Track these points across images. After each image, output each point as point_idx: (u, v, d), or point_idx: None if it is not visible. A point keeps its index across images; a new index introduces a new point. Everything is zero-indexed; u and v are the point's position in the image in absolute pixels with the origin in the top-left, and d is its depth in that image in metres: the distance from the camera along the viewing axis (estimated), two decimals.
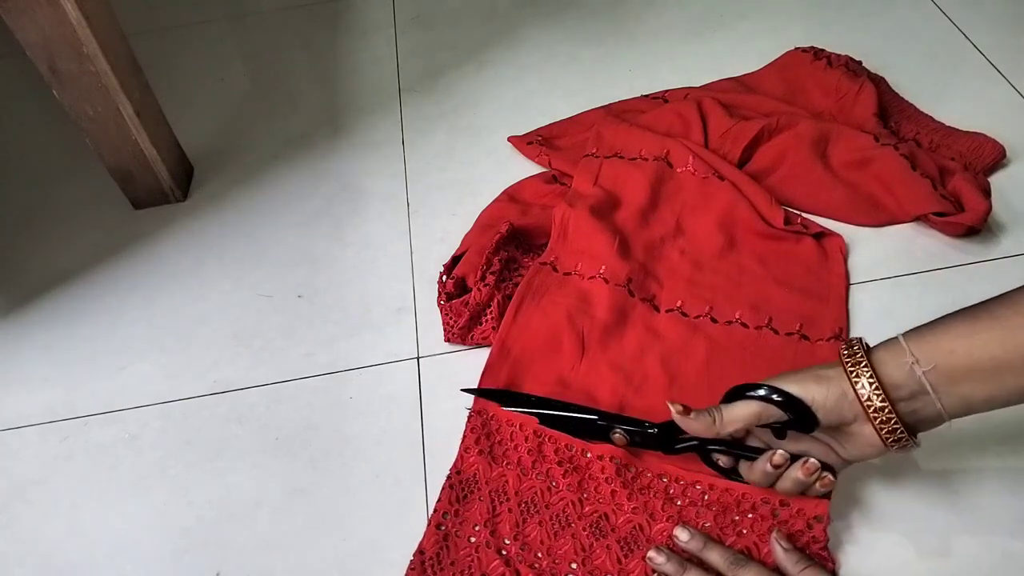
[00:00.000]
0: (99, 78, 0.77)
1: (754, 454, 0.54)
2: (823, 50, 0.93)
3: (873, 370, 0.48)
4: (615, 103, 0.94)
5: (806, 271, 0.73)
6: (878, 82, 0.89)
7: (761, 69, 0.95)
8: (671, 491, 0.58)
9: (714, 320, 0.70)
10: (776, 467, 0.52)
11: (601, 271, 0.73)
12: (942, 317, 0.49)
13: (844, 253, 0.74)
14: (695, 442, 0.56)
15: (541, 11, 1.11)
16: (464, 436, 0.63)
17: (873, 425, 0.49)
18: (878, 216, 0.77)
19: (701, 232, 0.77)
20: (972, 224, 0.73)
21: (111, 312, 0.79)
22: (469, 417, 0.64)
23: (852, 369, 0.49)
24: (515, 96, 0.98)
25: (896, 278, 0.73)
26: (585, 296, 0.72)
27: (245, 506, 0.63)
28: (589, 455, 0.61)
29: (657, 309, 0.71)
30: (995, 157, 0.80)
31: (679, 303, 0.71)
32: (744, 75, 0.95)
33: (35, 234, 0.89)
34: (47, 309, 0.81)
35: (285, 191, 0.90)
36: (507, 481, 0.60)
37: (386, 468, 0.64)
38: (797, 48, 0.95)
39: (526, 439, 0.62)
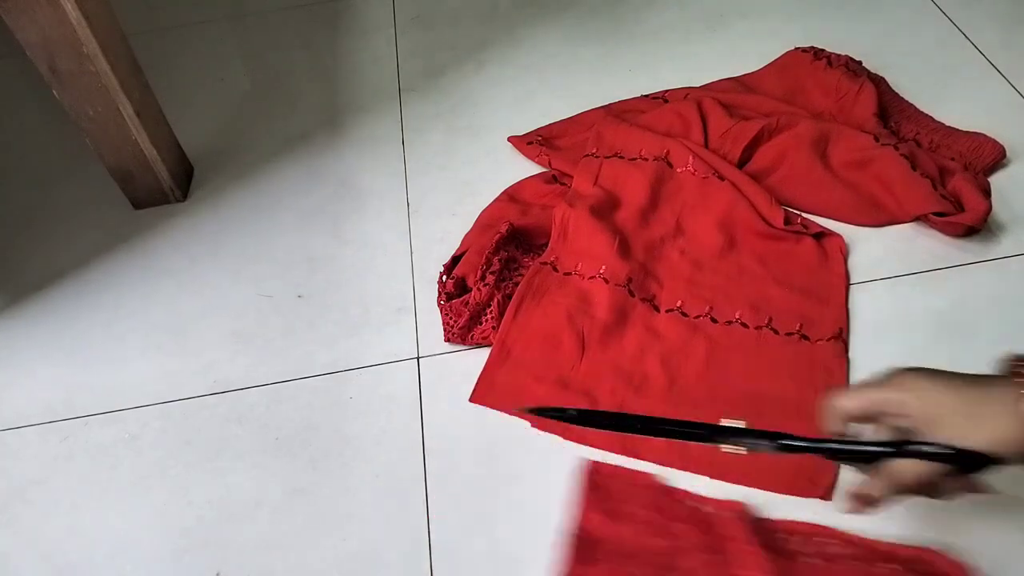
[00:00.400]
0: (99, 78, 0.77)
1: (874, 450, 0.47)
2: (823, 50, 0.93)
3: None
4: (615, 103, 0.94)
5: (806, 271, 0.73)
6: (878, 82, 0.89)
7: (761, 69, 0.95)
8: (809, 549, 0.56)
9: (714, 320, 0.70)
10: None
11: (601, 271, 0.73)
12: None
13: (844, 253, 0.74)
14: (806, 443, 0.49)
15: (541, 11, 1.11)
16: (581, 493, 0.60)
17: None
18: (878, 216, 0.77)
19: (701, 232, 0.77)
20: (972, 224, 0.73)
21: (111, 312, 0.79)
22: (583, 474, 0.61)
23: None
24: (515, 96, 0.98)
25: (896, 278, 0.73)
26: (585, 296, 0.72)
27: (245, 506, 0.63)
28: (711, 509, 0.58)
29: (657, 309, 0.71)
30: (995, 157, 0.80)
31: (679, 303, 0.71)
32: (744, 75, 0.95)
33: (35, 234, 0.89)
34: (47, 309, 0.81)
35: (285, 191, 0.90)
36: (631, 541, 0.57)
37: (386, 468, 0.64)
38: (797, 48, 0.95)
39: (646, 493, 0.60)
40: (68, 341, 0.77)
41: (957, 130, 0.84)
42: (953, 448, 0.44)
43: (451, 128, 0.95)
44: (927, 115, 0.87)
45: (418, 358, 0.72)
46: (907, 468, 0.45)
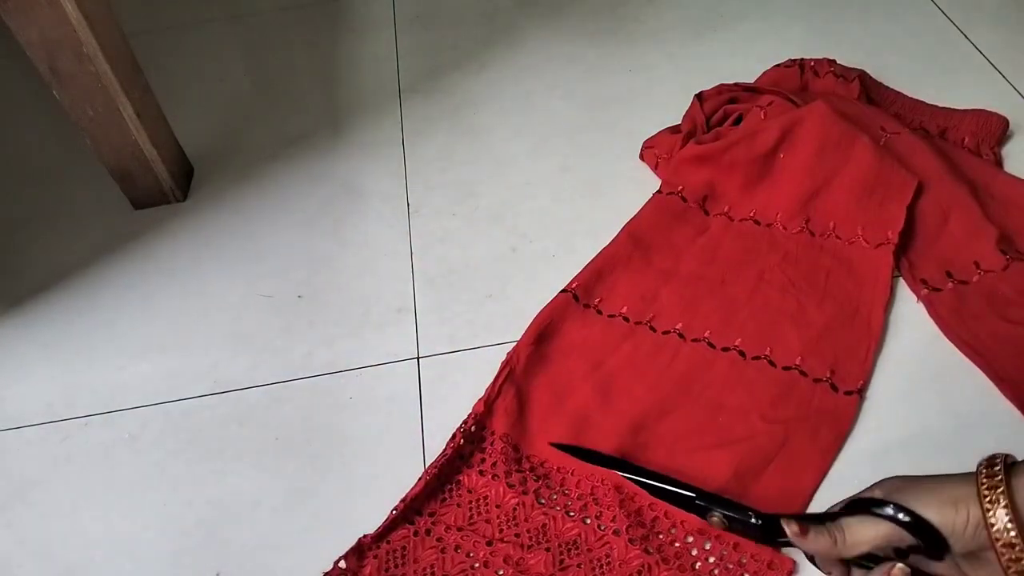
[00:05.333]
0: (99, 78, 0.77)
1: (867, 563, 0.48)
2: (803, 60, 0.91)
3: (1011, 499, 0.42)
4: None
5: None
6: (863, 76, 0.89)
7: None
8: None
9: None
10: None
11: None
12: None
13: None
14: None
15: (541, 11, 1.11)
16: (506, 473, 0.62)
17: (1000, 562, 0.43)
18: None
19: None
20: None
21: (111, 312, 0.79)
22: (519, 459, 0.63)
23: (988, 494, 0.43)
24: (515, 96, 0.98)
25: None
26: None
27: (245, 506, 0.63)
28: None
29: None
30: (1002, 129, 0.82)
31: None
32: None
33: (35, 234, 0.89)
34: (47, 309, 0.81)
35: (285, 191, 0.90)
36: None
37: (386, 468, 0.64)
38: (777, 65, 0.92)
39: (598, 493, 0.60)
40: (68, 341, 0.77)
41: (955, 110, 0.85)
42: (908, 512, 0.44)
43: (451, 128, 0.95)
44: (918, 100, 0.88)
45: (418, 358, 0.72)
46: (864, 527, 0.46)
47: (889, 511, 0.44)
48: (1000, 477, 0.43)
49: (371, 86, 1.03)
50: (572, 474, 0.61)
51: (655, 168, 0.85)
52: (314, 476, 0.64)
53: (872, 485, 0.48)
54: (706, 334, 0.69)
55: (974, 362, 0.65)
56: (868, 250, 0.73)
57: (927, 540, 0.44)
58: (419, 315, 0.75)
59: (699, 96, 0.88)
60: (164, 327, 0.77)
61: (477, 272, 0.78)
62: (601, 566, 0.56)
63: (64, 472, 0.67)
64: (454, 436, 0.63)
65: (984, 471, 0.44)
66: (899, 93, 0.89)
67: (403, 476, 0.63)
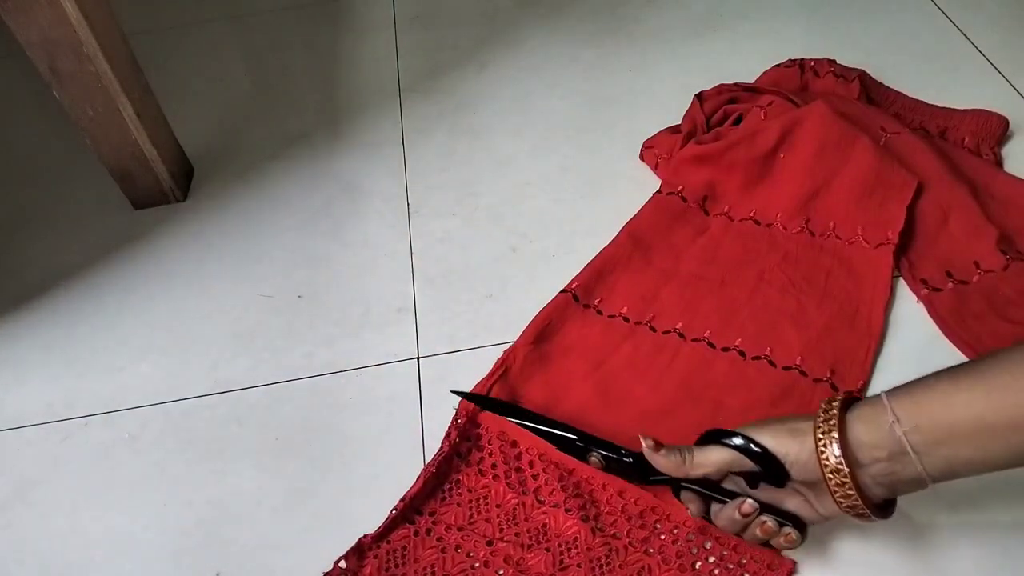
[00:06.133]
0: (99, 78, 0.77)
1: (727, 498, 0.53)
2: (803, 60, 0.91)
3: (843, 433, 0.47)
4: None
5: None
6: (863, 76, 0.89)
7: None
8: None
9: None
10: (744, 516, 0.51)
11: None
12: (926, 376, 0.47)
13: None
14: (669, 477, 0.55)
15: (541, 11, 1.11)
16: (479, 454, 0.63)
17: (829, 488, 0.47)
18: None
19: None
20: None
21: (111, 312, 0.79)
22: (480, 436, 0.64)
23: (821, 427, 0.48)
24: (515, 96, 0.98)
25: None
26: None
27: (245, 506, 0.63)
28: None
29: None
30: (1002, 128, 0.82)
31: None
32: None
33: (35, 234, 0.89)
34: (47, 309, 0.81)
35: (285, 191, 0.90)
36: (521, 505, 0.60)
37: (386, 468, 0.64)
38: (777, 65, 0.92)
39: (530, 464, 0.62)
40: (68, 341, 0.77)
41: (955, 110, 0.85)
42: (750, 440, 0.50)
43: (451, 128, 0.95)
44: (918, 100, 0.88)
45: (418, 358, 0.72)
46: (710, 452, 0.52)
47: (735, 441, 0.51)
48: (835, 411, 0.48)
49: (371, 86, 1.03)
50: (571, 473, 0.61)
51: (655, 168, 0.85)
52: (314, 476, 0.64)
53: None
54: (706, 334, 0.69)
55: None
56: (868, 250, 0.73)
57: (767, 466, 0.50)
58: (419, 315, 0.75)
59: (699, 96, 0.88)
60: (164, 327, 0.77)
61: (477, 272, 0.78)
62: (601, 566, 0.56)
63: (64, 472, 0.67)
64: (448, 433, 0.64)
65: (823, 406, 0.49)
66: (899, 93, 0.89)
67: (403, 476, 0.63)
